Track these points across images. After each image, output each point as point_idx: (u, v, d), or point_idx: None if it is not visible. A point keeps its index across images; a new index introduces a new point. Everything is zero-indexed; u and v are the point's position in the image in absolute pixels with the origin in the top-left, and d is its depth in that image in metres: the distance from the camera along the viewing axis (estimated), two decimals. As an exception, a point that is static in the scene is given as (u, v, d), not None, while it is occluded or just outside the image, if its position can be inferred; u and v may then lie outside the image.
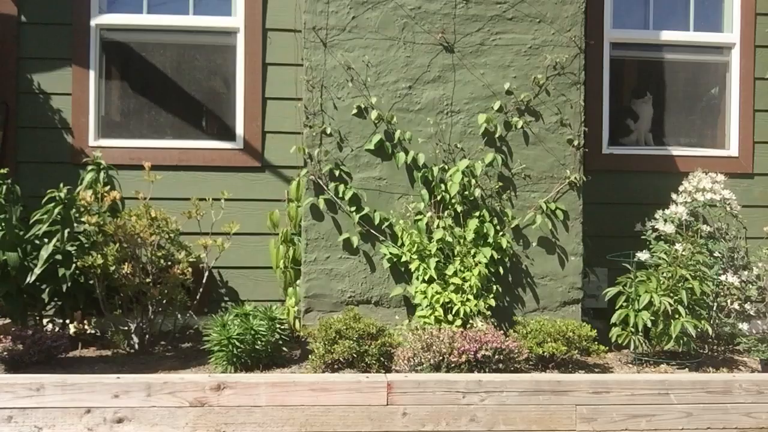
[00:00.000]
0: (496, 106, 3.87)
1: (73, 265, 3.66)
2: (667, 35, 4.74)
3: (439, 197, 3.80)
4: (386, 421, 3.11)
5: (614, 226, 4.36)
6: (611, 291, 3.69)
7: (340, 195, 3.81)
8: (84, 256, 3.62)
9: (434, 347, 3.34)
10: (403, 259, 3.75)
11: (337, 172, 3.83)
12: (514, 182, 3.90)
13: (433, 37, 3.86)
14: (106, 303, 3.69)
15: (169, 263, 3.73)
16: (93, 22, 4.40)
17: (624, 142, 4.81)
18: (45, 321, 3.89)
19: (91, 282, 3.68)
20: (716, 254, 3.89)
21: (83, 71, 4.39)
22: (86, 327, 3.60)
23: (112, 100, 4.60)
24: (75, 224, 3.70)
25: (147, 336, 3.65)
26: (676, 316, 3.49)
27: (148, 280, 3.63)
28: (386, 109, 3.84)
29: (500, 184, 3.88)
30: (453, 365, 3.31)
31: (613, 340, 3.65)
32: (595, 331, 3.59)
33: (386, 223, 3.83)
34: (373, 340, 3.42)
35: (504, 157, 3.88)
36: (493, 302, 3.72)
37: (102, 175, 3.99)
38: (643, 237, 3.88)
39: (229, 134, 4.51)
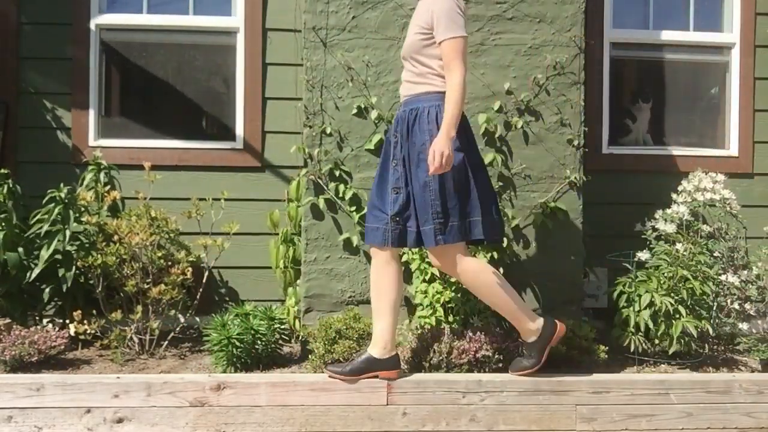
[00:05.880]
0: (496, 106, 3.87)
1: (74, 266, 3.67)
2: (667, 35, 4.74)
3: (439, 197, 3.79)
4: (386, 421, 3.12)
5: (614, 226, 4.35)
6: (612, 291, 3.69)
7: (340, 195, 3.81)
8: (84, 256, 3.63)
9: (434, 347, 3.34)
10: (404, 258, 3.75)
11: (337, 172, 3.83)
12: (514, 182, 3.89)
13: (433, 37, 3.85)
14: (106, 303, 3.70)
15: (169, 263, 3.74)
16: (93, 22, 4.41)
17: (624, 142, 4.81)
18: (45, 321, 3.90)
19: (91, 282, 3.68)
20: (716, 254, 3.89)
21: (83, 71, 4.39)
22: (86, 327, 3.60)
23: (112, 100, 4.59)
24: (75, 224, 3.71)
25: (147, 336, 3.65)
26: (677, 316, 3.49)
27: (148, 280, 3.64)
28: (386, 109, 3.84)
29: (500, 183, 3.88)
30: (453, 365, 3.31)
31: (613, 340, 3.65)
32: (595, 331, 3.59)
33: (386, 223, 3.82)
34: (373, 340, 3.42)
35: (504, 157, 3.88)
36: (493, 302, 3.72)
37: (102, 175, 4.01)
38: (643, 237, 3.88)
39: (229, 134, 4.51)
